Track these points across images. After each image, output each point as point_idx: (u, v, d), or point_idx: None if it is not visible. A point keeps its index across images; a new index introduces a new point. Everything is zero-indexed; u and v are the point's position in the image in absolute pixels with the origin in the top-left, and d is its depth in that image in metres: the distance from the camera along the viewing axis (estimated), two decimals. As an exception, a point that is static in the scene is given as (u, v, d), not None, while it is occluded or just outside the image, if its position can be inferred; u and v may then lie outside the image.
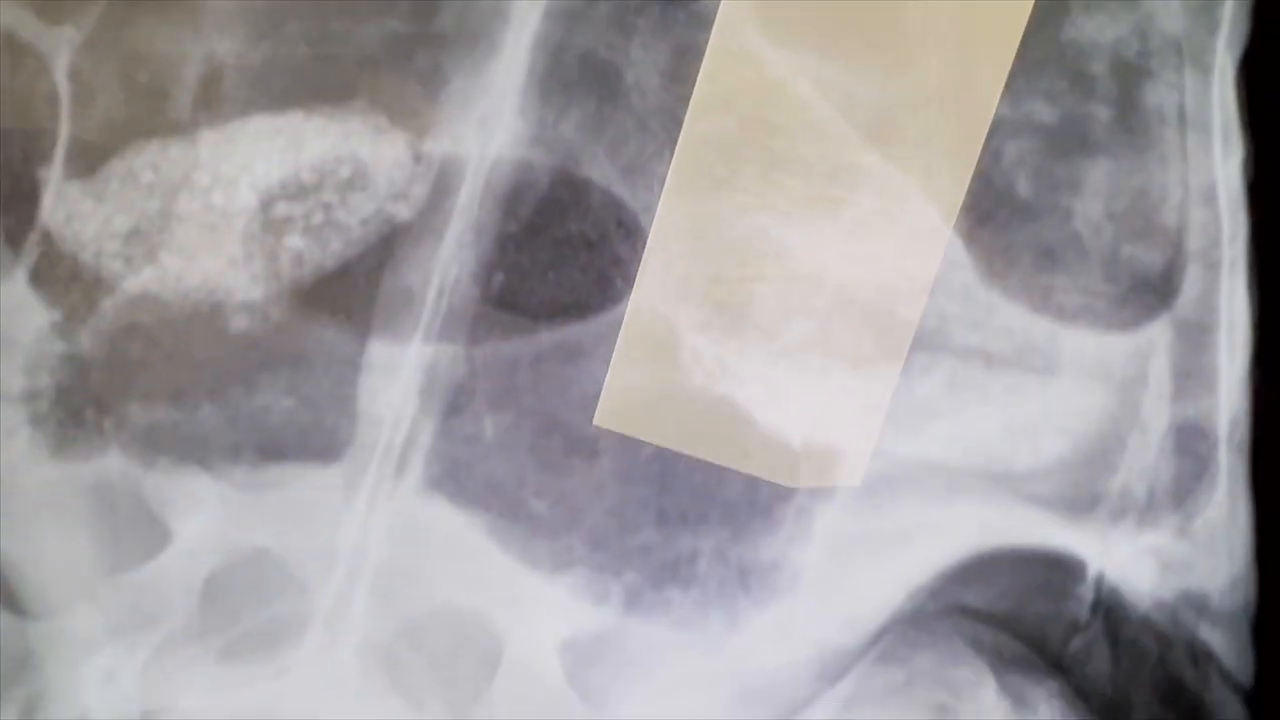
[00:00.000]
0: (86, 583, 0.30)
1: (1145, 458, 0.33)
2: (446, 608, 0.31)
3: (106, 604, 0.30)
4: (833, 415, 0.32)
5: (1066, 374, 0.32)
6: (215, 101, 0.29)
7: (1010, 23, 0.31)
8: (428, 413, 0.31)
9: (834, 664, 0.33)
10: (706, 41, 0.30)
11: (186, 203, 0.29)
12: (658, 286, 0.31)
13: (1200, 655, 0.33)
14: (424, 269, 0.30)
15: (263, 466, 0.30)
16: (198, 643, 0.31)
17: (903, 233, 0.31)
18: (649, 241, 0.31)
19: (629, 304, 0.31)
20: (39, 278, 0.29)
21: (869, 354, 0.32)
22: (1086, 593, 0.33)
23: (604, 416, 0.31)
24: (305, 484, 0.31)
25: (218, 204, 0.29)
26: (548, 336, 0.31)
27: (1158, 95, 0.32)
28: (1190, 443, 0.33)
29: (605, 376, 0.31)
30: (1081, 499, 0.33)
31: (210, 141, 0.29)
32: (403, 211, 0.30)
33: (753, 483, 0.32)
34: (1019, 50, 0.31)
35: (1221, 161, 0.32)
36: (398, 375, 0.30)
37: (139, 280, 0.29)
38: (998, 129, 0.31)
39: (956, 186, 0.31)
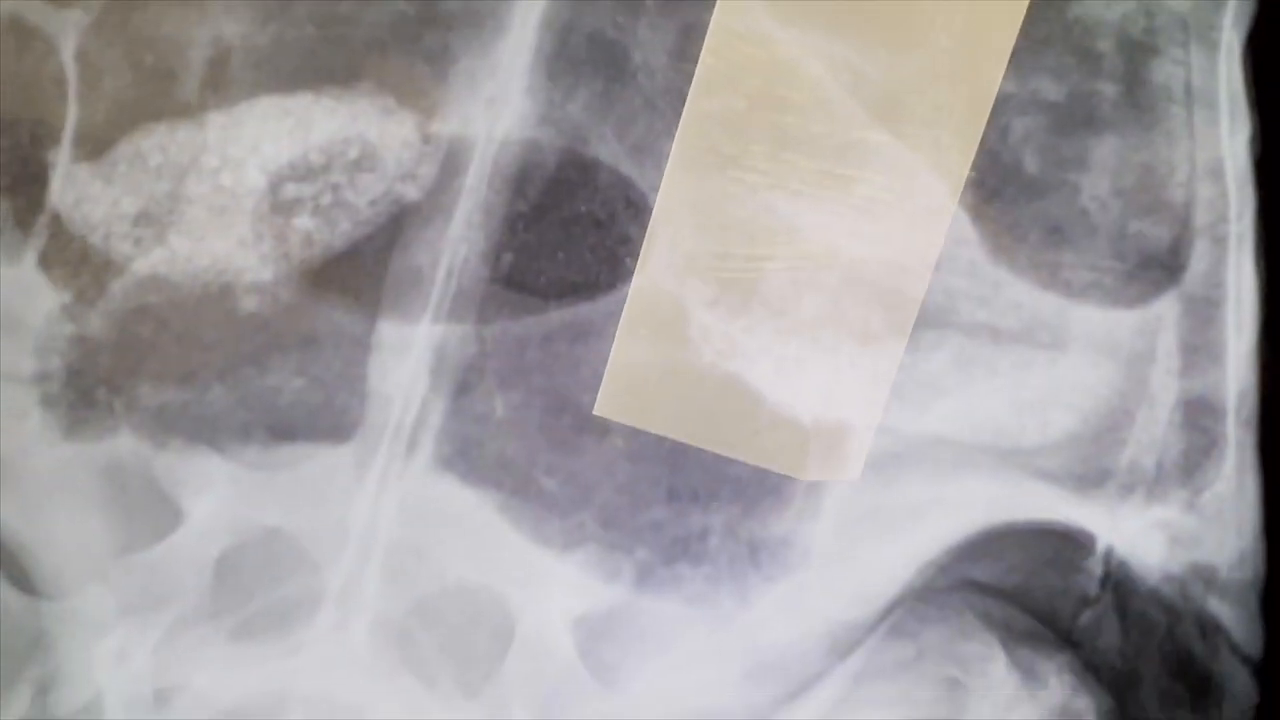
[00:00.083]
0: (99, 563, 0.30)
1: (1153, 432, 0.33)
2: (458, 586, 0.31)
3: (119, 584, 0.30)
4: (841, 392, 0.32)
5: (1074, 349, 0.32)
6: (223, 83, 0.29)
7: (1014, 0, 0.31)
8: (438, 392, 0.31)
9: (844, 639, 0.33)
10: (714, 20, 0.30)
11: (195, 184, 0.29)
12: (663, 264, 0.31)
13: (1209, 628, 0.33)
14: (433, 249, 0.30)
15: (274, 446, 0.30)
16: (210, 622, 0.31)
17: (911, 209, 0.31)
18: (652, 219, 0.31)
19: (632, 282, 0.31)
20: (48, 260, 0.29)
21: (877, 330, 0.32)
22: (1095, 567, 0.33)
23: (605, 404, 0.31)
24: (316, 463, 0.31)
25: (226, 185, 0.29)
26: (557, 316, 0.31)
27: (1164, 72, 0.32)
28: (1198, 417, 0.33)
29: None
30: (1090, 474, 0.33)
31: (218, 123, 0.29)
32: (411, 192, 0.30)
33: (762, 460, 0.32)
34: (1026, 27, 0.31)
35: (1228, 137, 0.32)
36: (407, 355, 0.30)
37: (148, 262, 0.29)
38: (1006, 106, 0.31)
39: (962, 163, 0.31)
